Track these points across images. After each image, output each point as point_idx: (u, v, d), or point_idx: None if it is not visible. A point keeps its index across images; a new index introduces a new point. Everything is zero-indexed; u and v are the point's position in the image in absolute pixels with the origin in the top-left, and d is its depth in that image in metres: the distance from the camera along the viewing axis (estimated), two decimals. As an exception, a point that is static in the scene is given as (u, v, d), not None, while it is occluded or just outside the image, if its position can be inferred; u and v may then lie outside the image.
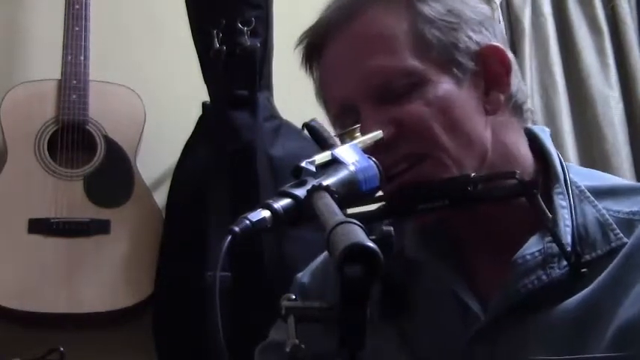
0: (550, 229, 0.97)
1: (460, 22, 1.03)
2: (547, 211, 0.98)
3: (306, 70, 1.12)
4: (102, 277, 2.01)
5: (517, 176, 0.97)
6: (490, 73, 1.05)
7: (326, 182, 0.79)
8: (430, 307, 1.04)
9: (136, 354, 2.10)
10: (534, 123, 1.12)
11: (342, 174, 0.82)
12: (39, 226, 2.01)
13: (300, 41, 1.11)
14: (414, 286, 1.05)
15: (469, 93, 1.03)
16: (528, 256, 0.98)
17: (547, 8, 2.59)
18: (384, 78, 1.00)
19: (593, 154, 2.50)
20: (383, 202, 1.00)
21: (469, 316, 1.00)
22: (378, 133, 0.96)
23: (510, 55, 1.07)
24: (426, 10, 1.03)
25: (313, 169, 0.82)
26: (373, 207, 1.01)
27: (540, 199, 0.97)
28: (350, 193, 0.82)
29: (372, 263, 0.62)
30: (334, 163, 0.84)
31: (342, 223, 0.67)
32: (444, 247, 1.06)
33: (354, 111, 1.02)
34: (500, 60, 1.05)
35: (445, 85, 1.01)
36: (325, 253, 1.18)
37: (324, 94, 1.10)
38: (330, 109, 1.10)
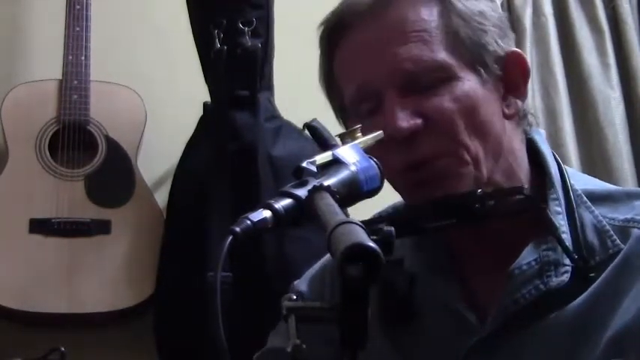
0: (558, 238, 0.96)
1: (489, 26, 1.03)
2: (554, 221, 0.97)
3: (324, 48, 1.08)
4: (103, 277, 2.01)
5: (525, 191, 0.97)
6: (511, 79, 1.05)
7: (327, 182, 0.79)
8: (426, 319, 1.03)
9: (137, 354, 2.09)
10: (531, 125, 1.11)
11: (343, 174, 0.82)
12: (40, 226, 2.01)
13: (326, 20, 1.08)
14: (411, 297, 1.04)
15: (492, 95, 1.03)
16: (525, 266, 0.98)
17: (548, 8, 2.58)
18: (415, 68, 0.99)
19: (594, 154, 2.50)
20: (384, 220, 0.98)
21: (466, 328, 1.00)
22: (379, 133, 0.95)
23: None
24: (460, 7, 1.02)
25: (314, 169, 0.82)
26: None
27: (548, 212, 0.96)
28: (351, 193, 0.82)
29: (373, 263, 0.62)
30: (335, 163, 0.84)
31: (343, 223, 0.67)
32: (440, 258, 1.06)
33: (375, 97, 1.01)
34: (521, 67, 1.06)
35: (472, 84, 1.01)
36: (322, 261, 1.18)
37: (342, 77, 1.07)
38: (344, 94, 1.06)
